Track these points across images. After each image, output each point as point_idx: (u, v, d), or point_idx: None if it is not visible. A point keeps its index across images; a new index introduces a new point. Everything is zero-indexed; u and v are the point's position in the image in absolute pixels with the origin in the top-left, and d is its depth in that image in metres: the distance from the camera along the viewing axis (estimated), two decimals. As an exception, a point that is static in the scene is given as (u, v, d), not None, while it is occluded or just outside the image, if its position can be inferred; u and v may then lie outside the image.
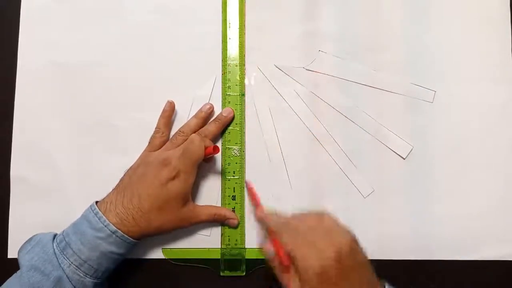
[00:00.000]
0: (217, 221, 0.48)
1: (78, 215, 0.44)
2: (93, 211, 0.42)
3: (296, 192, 0.49)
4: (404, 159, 0.49)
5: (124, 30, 0.51)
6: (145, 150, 0.47)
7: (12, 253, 0.48)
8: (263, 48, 0.51)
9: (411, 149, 0.49)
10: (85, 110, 0.50)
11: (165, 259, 0.48)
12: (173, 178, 0.44)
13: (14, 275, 0.41)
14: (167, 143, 0.47)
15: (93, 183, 0.49)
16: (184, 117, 0.50)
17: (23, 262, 0.41)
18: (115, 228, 0.42)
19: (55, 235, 0.43)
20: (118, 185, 0.45)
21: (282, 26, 0.51)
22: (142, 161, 0.46)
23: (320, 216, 0.39)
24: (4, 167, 0.50)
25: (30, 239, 0.43)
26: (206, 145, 0.45)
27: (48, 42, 0.51)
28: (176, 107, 0.50)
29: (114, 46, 0.51)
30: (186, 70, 0.50)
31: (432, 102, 0.50)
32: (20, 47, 0.51)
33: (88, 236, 0.41)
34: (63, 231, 0.43)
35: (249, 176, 0.49)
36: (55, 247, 0.41)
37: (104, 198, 0.44)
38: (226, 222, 0.48)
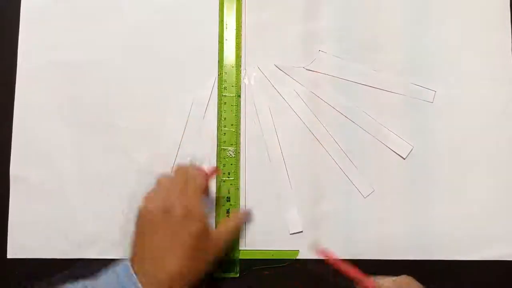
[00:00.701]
0: (242, 222, 0.47)
1: (78, 215, 0.44)
2: (127, 272, 0.37)
3: (296, 192, 0.49)
4: (404, 159, 0.49)
5: (124, 30, 0.51)
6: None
7: (11, 253, 0.48)
8: (263, 48, 0.51)
9: (411, 149, 0.49)
10: (85, 110, 0.50)
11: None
12: (186, 220, 0.39)
13: None
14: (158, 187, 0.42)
15: (93, 183, 0.49)
16: (183, 117, 0.50)
17: None
18: None
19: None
20: (138, 242, 0.39)
21: (282, 26, 0.51)
22: (145, 220, 0.40)
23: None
24: (4, 167, 0.50)
25: None
26: (203, 172, 0.43)
27: (48, 42, 0.51)
28: (176, 107, 0.50)
29: (114, 46, 0.51)
30: (186, 70, 0.50)
31: (432, 102, 0.50)
32: (20, 47, 0.51)
33: None
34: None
35: (249, 176, 0.49)
36: None
37: (131, 256, 0.39)
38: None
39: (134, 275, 0.37)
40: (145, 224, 0.39)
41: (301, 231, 0.48)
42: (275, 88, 0.50)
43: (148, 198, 0.41)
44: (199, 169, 0.44)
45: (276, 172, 0.49)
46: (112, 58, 0.51)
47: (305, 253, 0.48)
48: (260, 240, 0.48)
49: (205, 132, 0.50)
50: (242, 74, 0.51)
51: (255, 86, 0.50)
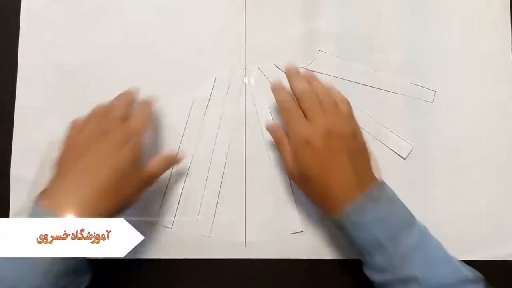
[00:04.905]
0: (170, 165, 0.46)
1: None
2: (40, 209, 0.37)
3: (296, 192, 0.49)
4: (404, 159, 0.49)
5: (124, 30, 0.51)
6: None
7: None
8: (263, 48, 0.51)
9: (411, 149, 0.49)
10: (85, 110, 0.50)
11: (164, 259, 0.48)
12: (124, 145, 0.40)
13: None
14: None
15: (93, 183, 0.49)
16: (183, 118, 0.50)
17: None
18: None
19: None
20: (59, 170, 0.40)
21: (282, 25, 0.51)
22: (76, 144, 0.41)
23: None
24: (4, 167, 0.50)
25: None
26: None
27: (48, 42, 0.51)
28: (176, 107, 0.50)
29: (114, 46, 0.51)
30: (186, 70, 0.50)
31: (432, 102, 0.50)
32: (20, 47, 0.51)
33: None
34: None
35: (249, 176, 0.49)
36: None
37: (47, 189, 0.39)
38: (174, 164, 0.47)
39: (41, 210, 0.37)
40: (75, 148, 0.40)
41: (301, 231, 0.48)
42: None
43: (81, 124, 0.42)
44: (148, 102, 0.44)
45: (276, 172, 0.49)
46: (112, 58, 0.51)
47: (305, 253, 0.48)
48: (260, 240, 0.48)
49: (205, 132, 0.50)
50: (242, 74, 0.51)
51: (255, 86, 0.50)
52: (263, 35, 0.51)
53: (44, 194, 0.39)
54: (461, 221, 0.49)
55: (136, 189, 0.41)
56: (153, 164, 0.43)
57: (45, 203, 0.38)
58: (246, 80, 0.51)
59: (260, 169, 0.49)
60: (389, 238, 0.38)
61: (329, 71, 0.50)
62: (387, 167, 0.49)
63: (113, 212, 0.39)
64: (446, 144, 0.49)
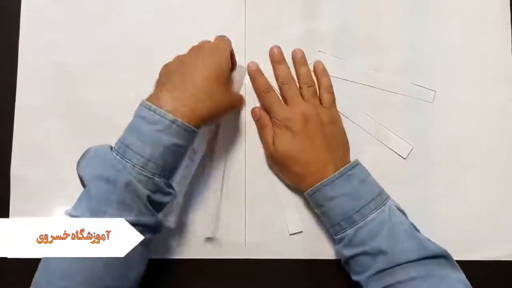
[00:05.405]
0: (241, 102, 0.50)
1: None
2: (145, 106, 0.40)
3: (296, 192, 0.49)
4: (404, 159, 0.49)
5: (124, 30, 0.51)
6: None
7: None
8: (263, 48, 0.51)
9: (411, 149, 0.49)
10: (85, 110, 0.50)
11: (164, 259, 0.48)
12: (214, 51, 0.44)
13: (83, 192, 0.39)
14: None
15: (93, 183, 0.49)
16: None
17: (85, 175, 0.39)
18: (173, 117, 0.39)
19: (110, 146, 0.41)
20: (160, 83, 0.43)
21: (282, 25, 0.51)
22: (177, 60, 0.45)
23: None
24: (4, 167, 0.50)
25: (84, 154, 0.41)
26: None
27: (48, 42, 0.51)
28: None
29: (114, 46, 0.51)
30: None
31: (432, 102, 0.50)
32: (21, 47, 0.51)
33: (146, 132, 0.39)
34: (119, 139, 0.41)
35: (249, 176, 0.49)
36: (114, 155, 0.39)
37: (150, 96, 0.42)
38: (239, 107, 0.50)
39: (148, 103, 0.40)
40: (177, 62, 0.44)
41: (301, 231, 0.48)
42: (275, 88, 0.50)
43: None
44: None
45: (277, 172, 0.49)
46: (112, 58, 0.51)
47: (305, 253, 0.48)
48: (260, 240, 0.48)
49: (205, 131, 0.50)
50: (243, 74, 0.50)
51: (255, 86, 0.50)
52: (263, 35, 0.51)
53: (148, 99, 0.41)
54: (461, 221, 0.49)
55: (226, 100, 0.44)
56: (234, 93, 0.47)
57: (151, 102, 0.40)
58: (246, 80, 0.51)
59: (260, 169, 0.49)
60: (358, 213, 0.42)
61: (329, 71, 0.50)
62: (387, 167, 0.49)
63: (204, 116, 0.41)
64: (446, 144, 0.49)
